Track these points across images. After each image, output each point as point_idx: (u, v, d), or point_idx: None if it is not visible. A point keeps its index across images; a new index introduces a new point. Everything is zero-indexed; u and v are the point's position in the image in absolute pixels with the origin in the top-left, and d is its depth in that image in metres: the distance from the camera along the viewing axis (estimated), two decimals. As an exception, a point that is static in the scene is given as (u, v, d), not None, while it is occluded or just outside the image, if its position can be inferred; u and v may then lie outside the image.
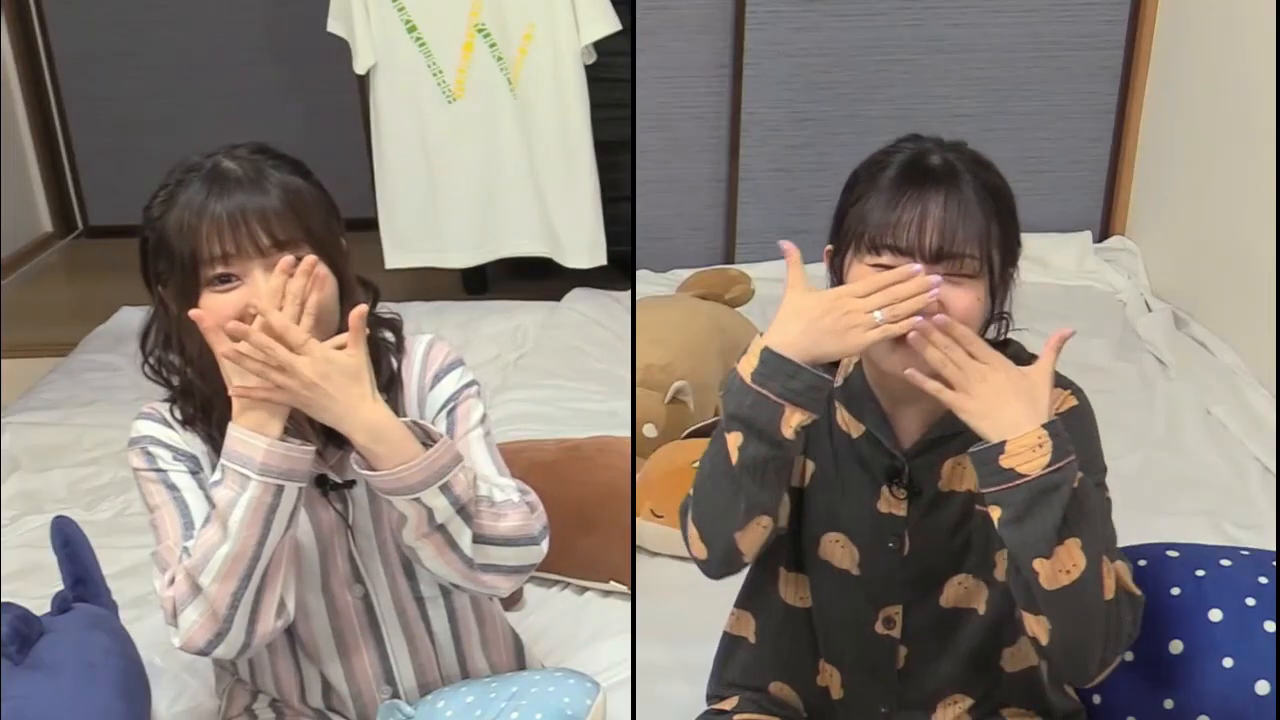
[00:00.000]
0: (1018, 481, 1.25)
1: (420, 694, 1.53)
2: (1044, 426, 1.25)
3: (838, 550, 1.46)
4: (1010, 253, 1.38)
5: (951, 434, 1.38)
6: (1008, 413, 1.27)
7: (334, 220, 1.43)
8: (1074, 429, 1.31)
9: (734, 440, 1.32)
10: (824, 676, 1.53)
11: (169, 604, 1.35)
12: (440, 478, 1.33)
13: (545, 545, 1.44)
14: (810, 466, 1.46)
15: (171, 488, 1.41)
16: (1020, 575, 1.29)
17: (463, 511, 1.36)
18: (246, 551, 1.32)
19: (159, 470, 1.41)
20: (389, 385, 1.45)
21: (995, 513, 1.27)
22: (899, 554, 1.43)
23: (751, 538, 1.36)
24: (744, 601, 1.59)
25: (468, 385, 1.51)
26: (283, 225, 1.34)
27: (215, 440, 1.41)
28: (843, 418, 1.44)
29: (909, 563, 1.43)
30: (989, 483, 1.27)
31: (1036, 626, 1.31)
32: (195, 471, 1.42)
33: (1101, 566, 1.27)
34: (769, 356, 1.29)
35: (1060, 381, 1.39)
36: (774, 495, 1.35)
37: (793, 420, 1.29)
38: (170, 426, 1.44)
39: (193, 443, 1.44)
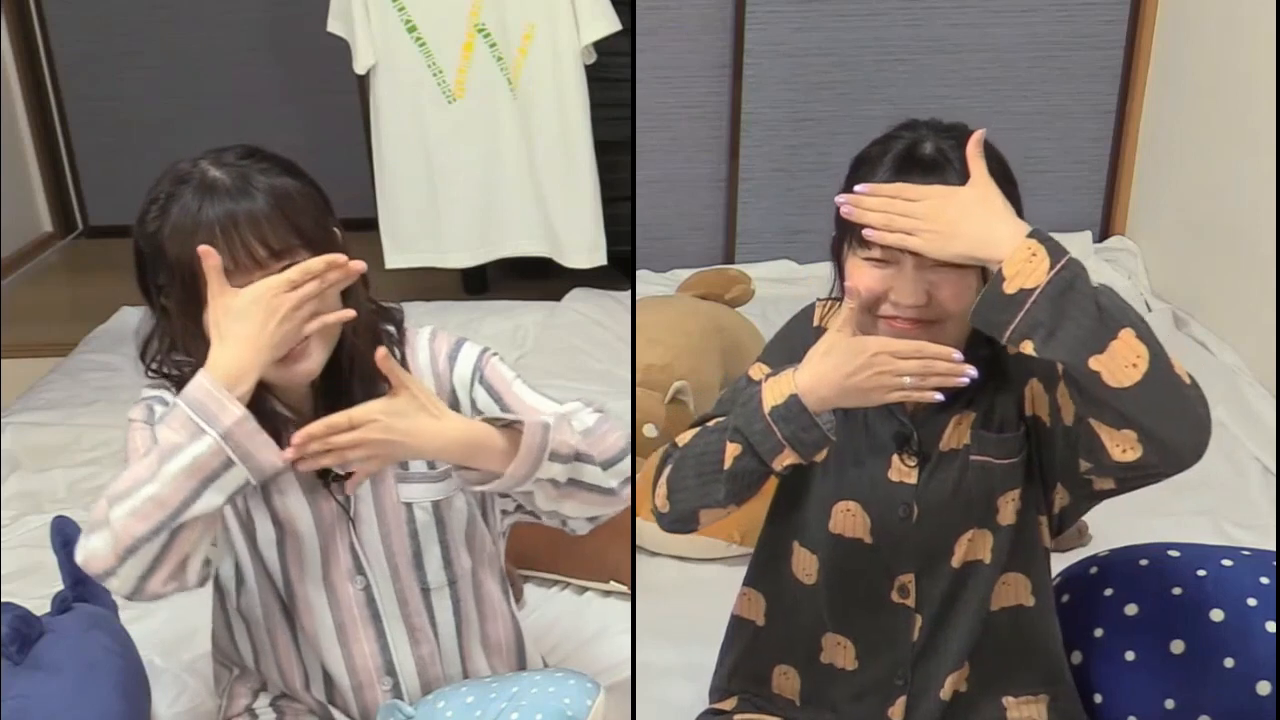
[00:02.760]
0: (1032, 297, 1.22)
1: (421, 686, 1.53)
2: (1028, 236, 1.24)
3: (850, 520, 1.47)
4: None
5: (955, 394, 1.39)
6: (973, 226, 1.26)
7: (328, 217, 1.41)
8: None
9: (732, 450, 1.37)
10: (830, 652, 1.53)
11: (89, 521, 1.30)
12: (543, 452, 1.34)
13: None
14: None
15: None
16: (1088, 393, 1.24)
17: (579, 458, 1.38)
18: (169, 504, 1.26)
19: (153, 426, 1.37)
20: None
21: (1028, 348, 1.23)
22: (909, 521, 1.45)
23: (713, 516, 1.45)
24: (753, 579, 1.60)
25: (484, 351, 1.52)
26: (275, 233, 1.32)
27: None
28: None
29: (918, 529, 1.45)
30: (1005, 320, 1.23)
31: (1122, 444, 1.26)
32: None
33: (1167, 355, 1.23)
34: (794, 401, 1.33)
35: None
36: (747, 496, 1.42)
37: (786, 460, 1.35)
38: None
39: None
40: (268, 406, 1.39)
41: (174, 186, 1.34)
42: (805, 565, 1.52)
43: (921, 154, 1.34)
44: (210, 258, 1.27)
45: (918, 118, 1.41)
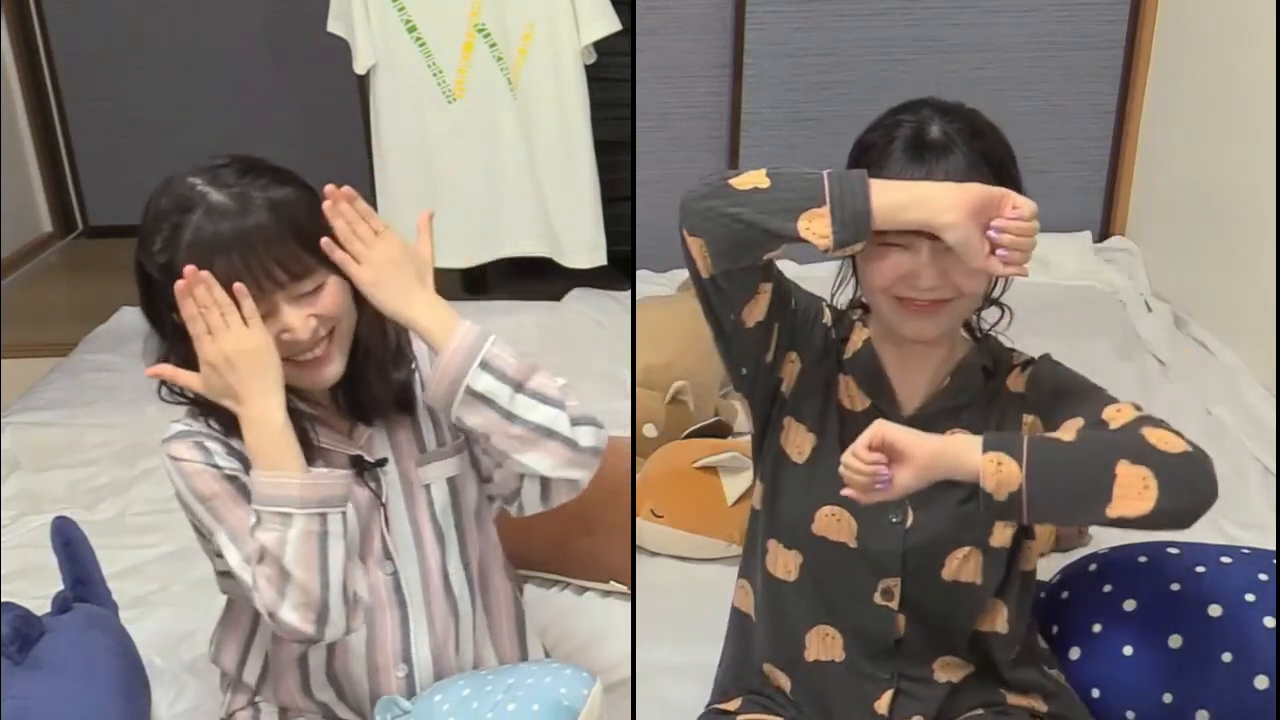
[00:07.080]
0: (1024, 496, 1.24)
1: (435, 674, 1.55)
2: (984, 451, 1.25)
3: (834, 524, 1.46)
4: None
5: (952, 406, 1.41)
6: (938, 470, 1.27)
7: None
8: (1046, 382, 1.38)
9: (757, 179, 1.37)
10: (816, 648, 1.52)
11: (263, 589, 1.35)
12: (471, 357, 1.40)
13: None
14: (811, 441, 1.47)
15: (231, 478, 1.40)
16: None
17: (524, 388, 1.44)
18: (310, 583, 1.34)
19: (214, 465, 1.40)
20: (398, 357, 1.51)
21: (1044, 533, 1.29)
22: (901, 526, 1.45)
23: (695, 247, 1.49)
24: (744, 570, 1.61)
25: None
26: (292, 256, 1.36)
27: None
28: (848, 393, 1.46)
29: (911, 535, 1.45)
30: (1016, 518, 1.27)
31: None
32: (247, 470, 1.41)
33: (1161, 451, 1.25)
34: (858, 176, 1.30)
35: (1016, 358, 1.45)
36: (725, 248, 1.49)
37: (812, 224, 1.30)
38: (213, 433, 1.43)
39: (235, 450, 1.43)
40: (291, 405, 1.40)
41: (180, 216, 1.35)
42: (784, 562, 1.51)
43: (929, 138, 1.35)
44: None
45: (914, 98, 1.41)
